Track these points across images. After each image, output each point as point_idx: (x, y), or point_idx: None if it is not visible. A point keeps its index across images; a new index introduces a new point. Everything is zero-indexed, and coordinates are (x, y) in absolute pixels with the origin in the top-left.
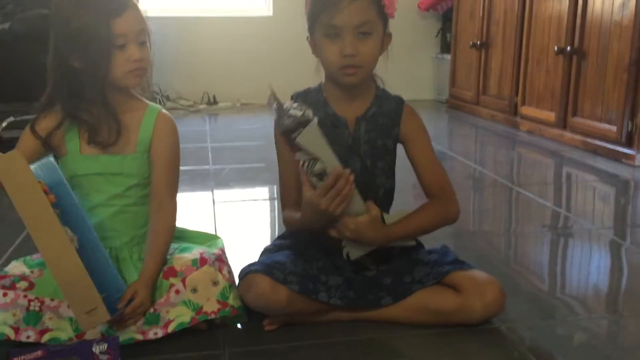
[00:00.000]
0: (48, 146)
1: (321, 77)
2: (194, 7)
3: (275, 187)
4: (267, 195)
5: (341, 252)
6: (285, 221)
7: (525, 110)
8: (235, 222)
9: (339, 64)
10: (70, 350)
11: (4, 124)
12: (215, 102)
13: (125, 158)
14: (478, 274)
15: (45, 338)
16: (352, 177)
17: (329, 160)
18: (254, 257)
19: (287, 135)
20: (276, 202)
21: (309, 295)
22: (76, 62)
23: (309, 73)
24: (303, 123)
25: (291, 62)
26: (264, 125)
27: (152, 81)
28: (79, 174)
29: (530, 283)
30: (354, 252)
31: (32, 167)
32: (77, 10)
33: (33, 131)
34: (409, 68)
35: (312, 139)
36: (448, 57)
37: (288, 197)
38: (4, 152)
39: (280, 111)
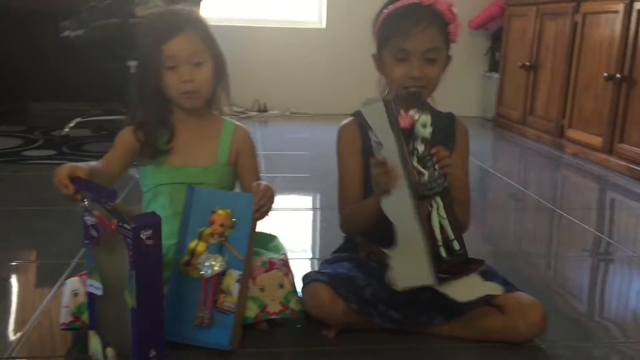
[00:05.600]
0: (140, 152)
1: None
2: (248, 17)
3: (319, 197)
4: (312, 205)
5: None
6: (344, 218)
7: (572, 133)
8: (285, 230)
9: (405, 84)
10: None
11: (72, 124)
12: (265, 110)
13: (206, 169)
14: (523, 296)
15: None
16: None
17: (388, 146)
18: (307, 266)
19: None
20: (320, 212)
21: (365, 316)
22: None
23: (358, 85)
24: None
25: (341, 73)
26: (312, 135)
27: (228, 98)
28: (165, 182)
29: (570, 305)
30: (401, 282)
31: None
32: (143, 36)
33: (136, 134)
34: (457, 84)
35: (375, 116)
36: (496, 75)
37: (347, 197)
38: (70, 151)
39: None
